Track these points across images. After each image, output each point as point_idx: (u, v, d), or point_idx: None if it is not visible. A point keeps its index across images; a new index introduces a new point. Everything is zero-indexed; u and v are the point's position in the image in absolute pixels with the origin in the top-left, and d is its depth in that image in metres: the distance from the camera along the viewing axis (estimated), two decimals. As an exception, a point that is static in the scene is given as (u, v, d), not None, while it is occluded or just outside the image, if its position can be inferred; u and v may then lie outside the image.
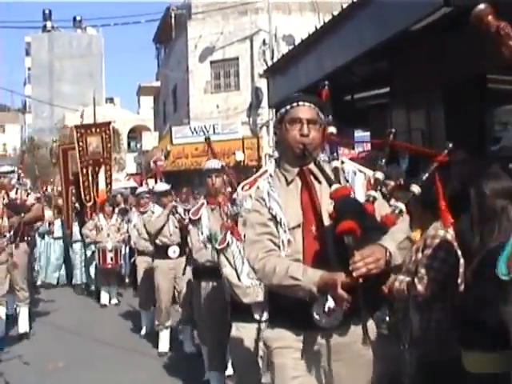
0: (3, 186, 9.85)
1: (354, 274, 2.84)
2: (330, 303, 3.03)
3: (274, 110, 3.07)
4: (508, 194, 3.44)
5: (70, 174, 15.12)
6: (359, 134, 16.15)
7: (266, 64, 20.75)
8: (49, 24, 79.26)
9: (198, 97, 29.95)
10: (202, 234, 6.42)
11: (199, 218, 6.52)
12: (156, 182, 12.61)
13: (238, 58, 29.08)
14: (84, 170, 14.22)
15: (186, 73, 30.40)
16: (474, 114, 8.60)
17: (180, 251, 8.69)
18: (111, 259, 12.71)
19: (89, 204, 14.10)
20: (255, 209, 3.33)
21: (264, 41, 26.82)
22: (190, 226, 6.69)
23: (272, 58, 22.94)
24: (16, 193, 9.92)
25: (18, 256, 9.64)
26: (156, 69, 44.51)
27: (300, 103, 3.33)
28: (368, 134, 14.58)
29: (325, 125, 3.37)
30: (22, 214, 9.71)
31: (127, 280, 14.36)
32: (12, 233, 9.56)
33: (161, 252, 8.90)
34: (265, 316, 4.83)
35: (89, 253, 14.10)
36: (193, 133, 28.11)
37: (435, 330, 4.12)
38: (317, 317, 3.11)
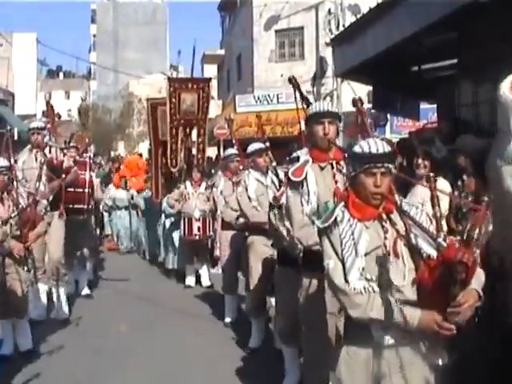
0: (38, 143, 8.73)
1: None
2: None
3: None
4: None
5: (160, 135, 12.92)
6: (424, 106, 16.04)
7: (331, 33, 20.54)
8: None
9: (263, 65, 29.90)
10: (309, 203, 4.56)
11: (303, 180, 4.63)
12: (219, 149, 12.61)
13: (302, 28, 28.89)
14: (173, 131, 12.20)
15: (251, 41, 30.36)
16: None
17: None
18: (198, 229, 11.05)
19: (174, 170, 12.34)
20: None
21: (329, 10, 26.51)
22: (289, 192, 4.73)
23: (337, 28, 22.68)
24: (50, 151, 8.79)
25: (54, 228, 8.47)
26: (220, 37, 44.61)
27: None
28: (434, 106, 14.48)
29: None
30: (63, 176, 8.56)
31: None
32: (51, 199, 8.25)
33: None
34: (388, 339, 3.32)
35: (168, 224, 12.77)
36: (257, 101, 28.10)
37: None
38: None
